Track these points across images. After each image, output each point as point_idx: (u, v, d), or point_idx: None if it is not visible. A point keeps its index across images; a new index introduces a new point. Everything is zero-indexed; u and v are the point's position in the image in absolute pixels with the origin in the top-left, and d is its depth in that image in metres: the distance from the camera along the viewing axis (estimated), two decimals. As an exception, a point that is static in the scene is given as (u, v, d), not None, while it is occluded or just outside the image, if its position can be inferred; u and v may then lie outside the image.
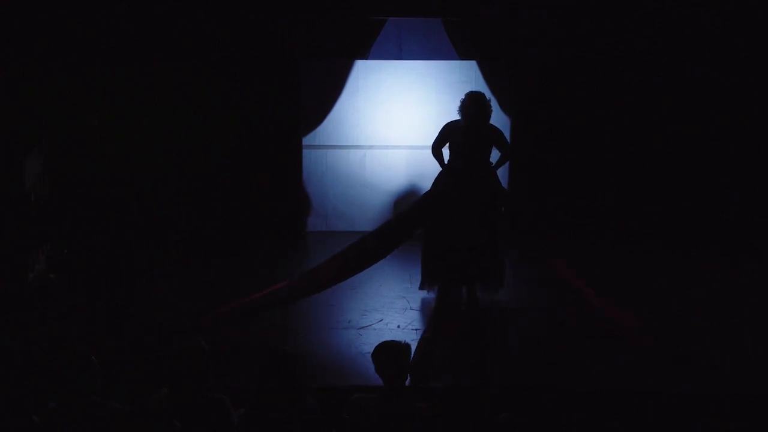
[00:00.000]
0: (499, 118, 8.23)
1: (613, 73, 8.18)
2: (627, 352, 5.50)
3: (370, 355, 4.03)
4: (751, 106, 8.24)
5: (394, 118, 8.52)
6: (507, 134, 7.94)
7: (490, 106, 6.41)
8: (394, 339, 4.16)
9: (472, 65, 8.31)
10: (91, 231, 7.54)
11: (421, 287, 6.69)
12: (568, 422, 4.53)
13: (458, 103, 6.39)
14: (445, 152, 6.67)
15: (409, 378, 4.40)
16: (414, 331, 5.91)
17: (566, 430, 4.51)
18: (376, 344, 4.05)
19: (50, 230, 7.19)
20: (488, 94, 7.28)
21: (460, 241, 6.30)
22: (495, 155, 6.65)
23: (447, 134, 6.55)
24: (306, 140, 8.51)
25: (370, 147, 8.61)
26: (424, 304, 6.61)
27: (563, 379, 5.09)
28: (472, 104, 6.31)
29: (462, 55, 8.33)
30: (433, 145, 6.64)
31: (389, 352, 3.97)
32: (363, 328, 6.03)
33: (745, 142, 8.30)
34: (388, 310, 6.40)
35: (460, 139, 6.45)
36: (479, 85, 8.26)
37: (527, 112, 8.32)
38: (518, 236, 7.71)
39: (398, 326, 6.08)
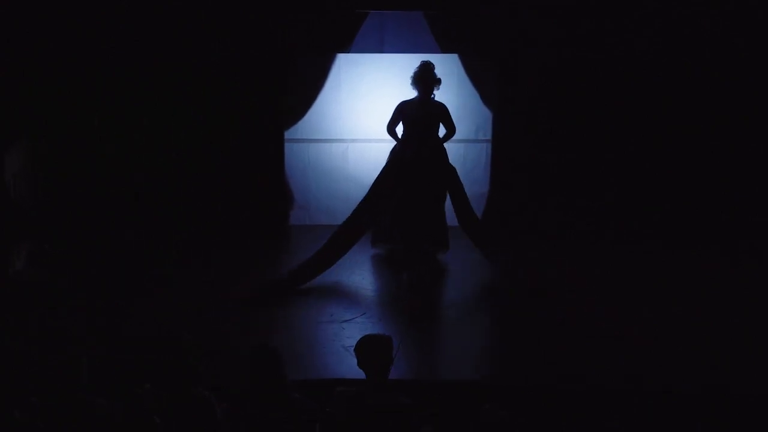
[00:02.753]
0: (481, 112, 8.39)
1: (613, 73, 8.18)
2: (627, 352, 5.50)
3: (353, 348, 4.02)
4: (751, 106, 8.24)
5: (377, 112, 8.35)
6: (489, 127, 8.47)
7: (437, 76, 7.13)
8: (376, 332, 4.15)
9: (453, 58, 8.28)
10: (91, 231, 7.56)
11: (373, 245, 7.48)
12: (568, 422, 4.53)
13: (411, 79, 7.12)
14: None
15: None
16: (396, 324, 5.89)
17: (566, 430, 4.51)
18: (359, 338, 4.05)
19: (30, 226, 7.18)
20: (470, 87, 8.23)
21: (412, 208, 7.09)
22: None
23: (400, 112, 7.23)
24: (288, 134, 8.49)
25: (353, 140, 8.59)
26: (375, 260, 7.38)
27: (563, 379, 5.08)
28: (423, 72, 7.09)
29: (444, 48, 8.27)
30: (387, 124, 7.33)
31: (372, 345, 3.96)
32: (346, 321, 6.02)
33: (745, 142, 8.30)
34: (371, 304, 6.42)
35: (414, 113, 7.15)
36: (461, 77, 8.33)
37: (527, 112, 8.30)
38: (510, 236, 7.80)
39: (380, 319, 6.08)
